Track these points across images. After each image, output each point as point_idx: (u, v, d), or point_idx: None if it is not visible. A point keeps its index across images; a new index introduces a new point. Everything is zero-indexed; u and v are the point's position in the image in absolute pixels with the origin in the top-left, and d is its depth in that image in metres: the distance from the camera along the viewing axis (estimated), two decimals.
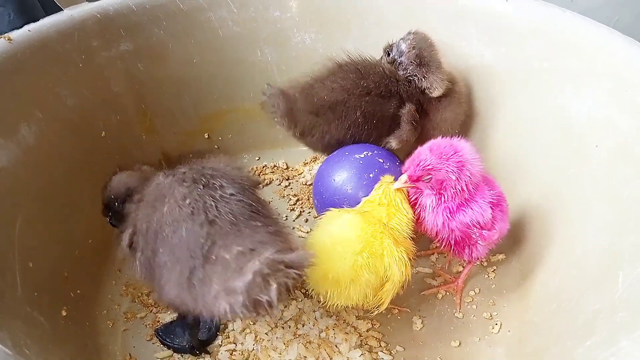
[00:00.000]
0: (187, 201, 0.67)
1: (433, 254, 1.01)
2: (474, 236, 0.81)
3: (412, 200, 0.82)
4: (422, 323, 0.90)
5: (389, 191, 0.81)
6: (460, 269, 0.98)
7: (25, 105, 0.87)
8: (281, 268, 0.59)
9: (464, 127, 1.09)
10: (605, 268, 0.72)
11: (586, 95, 0.87)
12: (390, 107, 0.97)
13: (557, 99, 0.91)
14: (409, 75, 0.97)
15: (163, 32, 1.07)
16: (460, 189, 0.78)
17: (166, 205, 0.68)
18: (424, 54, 0.96)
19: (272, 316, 0.88)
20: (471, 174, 0.78)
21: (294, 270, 0.60)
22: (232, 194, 0.69)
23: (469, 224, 0.80)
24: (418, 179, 0.79)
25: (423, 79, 0.96)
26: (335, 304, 0.78)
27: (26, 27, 0.89)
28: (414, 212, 0.82)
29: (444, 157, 0.78)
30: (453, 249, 0.85)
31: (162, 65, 1.09)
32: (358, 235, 0.76)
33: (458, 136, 0.83)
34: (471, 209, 0.80)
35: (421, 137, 1.00)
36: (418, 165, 0.78)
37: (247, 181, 0.74)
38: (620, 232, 0.74)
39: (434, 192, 0.80)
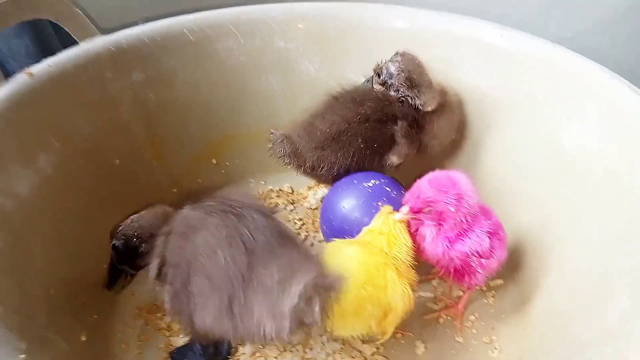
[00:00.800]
0: (222, 231, 0.70)
1: (434, 278, 1.05)
2: (473, 265, 0.85)
3: (412, 230, 0.86)
4: (424, 347, 0.93)
5: (388, 220, 0.84)
6: (461, 293, 1.02)
7: (43, 136, 0.90)
8: (322, 291, 0.63)
9: (458, 153, 1.14)
10: (593, 295, 0.76)
11: (576, 123, 0.92)
12: (388, 129, 1.01)
13: (549, 127, 0.97)
14: (400, 97, 1.02)
15: (173, 62, 1.11)
16: (459, 219, 0.82)
17: (199, 235, 0.71)
18: (413, 77, 1.00)
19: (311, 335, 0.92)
20: (469, 206, 0.82)
21: (332, 292, 0.64)
22: (262, 222, 0.73)
23: (468, 253, 0.84)
24: (419, 211, 0.84)
25: (415, 98, 1.01)
26: (339, 335, 0.81)
27: (46, 62, 0.93)
28: (415, 241, 0.86)
29: (443, 189, 0.82)
30: (453, 277, 0.89)
31: (171, 94, 1.13)
32: (360, 268, 0.79)
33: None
34: (469, 238, 0.84)
35: (421, 150, 1.06)
36: (418, 197, 0.83)
37: (267, 210, 0.78)
38: (609, 257, 0.79)
39: (434, 223, 0.84)
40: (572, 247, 0.86)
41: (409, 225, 0.87)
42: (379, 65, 1.05)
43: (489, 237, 0.85)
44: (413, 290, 0.81)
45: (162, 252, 0.75)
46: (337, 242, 0.86)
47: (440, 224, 0.84)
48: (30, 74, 0.89)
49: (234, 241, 0.70)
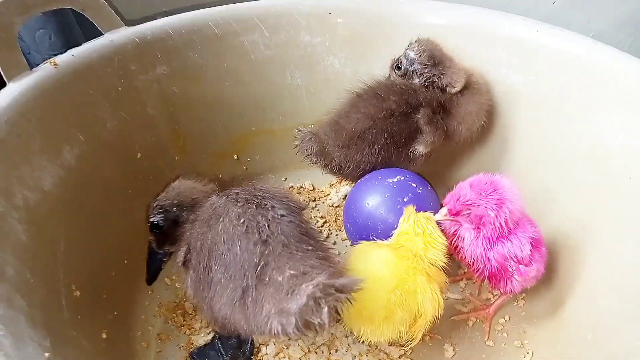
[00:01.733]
0: (242, 220, 0.69)
1: (462, 279, 1.02)
2: (510, 269, 0.82)
3: (451, 232, 0.84)
4: (453, 350, 0.90)
5: (420, 221, 0.82)
6: (490, 296, 0.99)
7: (67, 128, 0.89)
8: (332, 292, 0.60)
9: (489, 153, 1.10)
10: (630, 295, 0.73)
11: (619, 125, 0.88)
12: (413, 121, 0.99)
13: (588, 128, 0.93)
14: (426, 79, 0.99)
15: (198, 55, 1.09)
16: (498, 225, 0.80)
17: (221, 223, 0.71)
18: (435, 54, 0.98)
19: (321, 335, 0.90)
20: (510, 212, 0.79)
21: (344, 295, 0.61)
22: (282, 215, 0.71)
23: (507, 256, 0.81)
24: (458, 213, 0.81)
25: (442, 77, 0.98)
26: (369, 340, 0.79)
27: (70, 52, 0.91)
28: (451, 242, 0.83)
29: (484, 193, 0.80)
30: (488, 280, 0.86)
31: (195, 88, 1.11)
32: (391, 272, 0.77)
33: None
34: (510, 241, 0.81)
35: (449, 135, 1.02)
36: (458, 200, 0.81)
37: (295, 204, 0.76)
38: None
39: (473, 227, 0.82)
40: (615, 253, 0.83)
41: (444, 227, 0.84)
42: (395, 58, 1.03)
43: (532, 245, 0.83)
44: (443, 294, 0.79)
45: (188, 238, 0.74)
46: (365, 245, 0.84)
47: (479, 228, 0.82)
48: (55, 64, 0.87)
49: (250, 230, 0.68)
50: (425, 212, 0.84)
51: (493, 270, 0.83)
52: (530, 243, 0.82)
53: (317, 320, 0.61)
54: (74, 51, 0.92)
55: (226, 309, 0.70)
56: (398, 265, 0.77)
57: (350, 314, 0.76)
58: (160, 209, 0.81)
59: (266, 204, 0.73)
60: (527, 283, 0.86)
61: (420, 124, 0.98)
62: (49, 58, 0.89)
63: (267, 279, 0.66)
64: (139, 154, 1.03)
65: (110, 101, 0.96)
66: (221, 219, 0.72)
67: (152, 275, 0.88)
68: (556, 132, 0.98)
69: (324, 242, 0.75)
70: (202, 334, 0.93)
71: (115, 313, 0.89)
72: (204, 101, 1.13)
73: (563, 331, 0.88)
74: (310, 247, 0.70)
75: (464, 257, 0.84)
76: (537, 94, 1.00)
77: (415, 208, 0.85)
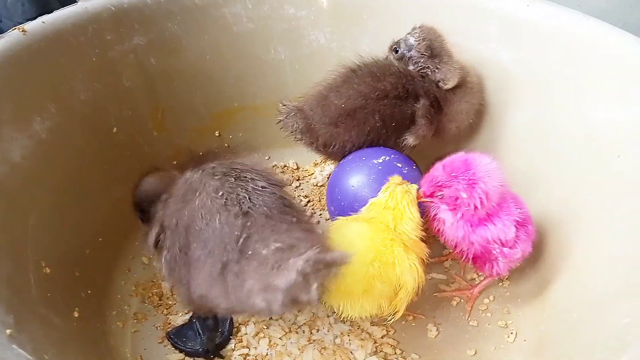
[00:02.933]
0: (220, 193, 0.66)
1: (447, 259, 1.00)
2: (494, 252, 0.81)
3: (431, 215, 0.82)
4: (437, 330, 0.89)
5: (395, 194, 0.79)
6: (474, 276, 0.97)
7: (39, 99, 0.85)
8: (321, 267, 0.58)
9: (477, 132, 1.08)
10: (631, 279, 0.72)
11: (611, 103, 0.86)
12: (408, 107, 0.95)
13: (579, 106, 0.90)
14: (420, 69, 0.96)
15: (177, 27, 1.05)
16: (473, 206, 0.77)
17: (197, 198, 0.67)
18: (434, 45, 0.95)
19: (303, 313, 0.88)
20: (484, 192, 0.77)
21: (333, 269, 0.59)
22: (263, 187, 0.68)
23: (490, 239, 0.79)
24: (431, 195, 0.80)
25: (436, 71, 0.95)
26: (350, 316, 0.77)
27: (40, 19, 0.87)
28: (433, 226, 0.81)
29: (454, 174, 0.78)
30: (472, 263, 0.85)
31: (175, 61, 1.07)
32: (368, 245, 0.75)
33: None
34: (494, 224, 0.79)
35: (438, 132, 1.00)
36: (431, 181, 0.79)
37: (275, 178, 0.73)
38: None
39: (450, 208, 0.80)
40: (604, 232, 0.81)
41: (425, 208, 0.83)
42: (395, 40, 0.99)
43: (516, 227, 0.81)
44: (424, 266, 0.77)
45: (160, 219, 0.71)
46: (342, 220, 0.82)
47: (454, 209, 0.79)
48: (24, 31, 0.83)
49: (230, 202, 0.65)
50: (408, 185, 0.81)
51: (477, 253, 0.81)
52: (516, 224, 0.80)
53: (306, 297, 0.58)
54: (45, 18, 0.88)
55: (204, 286, 0.67)
56: (374, 237, 0.76)
57: (329, 290, 0.73)
58: (136, 206, 0.79)
59: (245, 176, 0.70)
60: (512, 264, 0.84)
61: (417, 115, 0.95)
62: None
63: (249, 252, 0.63)
64: (115, 127, 0.99)
65: (83, 72, 0.92)
66: (198, 194, 0.68)
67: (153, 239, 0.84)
68: (545, 109, 0.96)
69: (307, 215, 0.73)
70: (180, 314, 0.91)
71: (89, 291, 0.86)
72: (184, 75, 1.09)
73: (547, 311, 0.87)
74: (294, 219, 0.68)
75: (447, 241, 0.82)
76: (527, 71, 0.97)
77: (401, 178, 0.82)
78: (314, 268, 0.58)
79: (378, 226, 0.77)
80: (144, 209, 0.78)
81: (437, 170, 0.80)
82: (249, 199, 0.66)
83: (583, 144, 0.89)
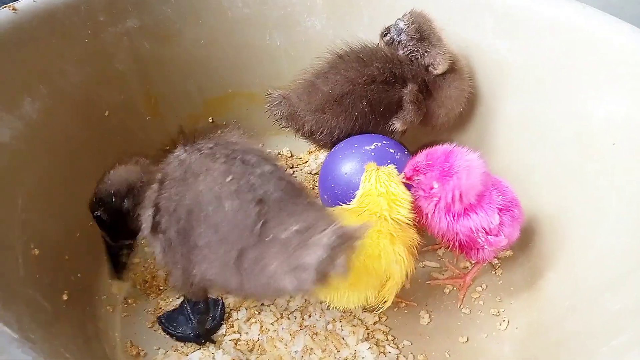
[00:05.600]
0: (228, 178, 0.65)
1: (440, 248, 1.00)
2: (479, 241, 0.80)
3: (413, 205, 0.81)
4: (429, 317, 0.89)
5: (381, 178, 0.79)
6: (468, 264, 0.97)
7: (29, 79, 0.84)
8: (344, 241, 0.58)
9: (469, 123, 1.07)
10: (624, 267, 0.71)
11: (606, 94, 0.85)
12: (396, 92, 0.95)
13: (574, 97, 0.90)
14: (410, 53, 0.95)
15: (171, 10, 1.04)
16: (445, 197, 0.77)
17: (202, 182, 0.66)
18: (423, 28, 0.94)
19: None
20: (457, 187, 0.76)
21: (354, 242, 0.59)
22: (270, 172, 0.67)
23: (473, 229, 0.79)
24: (410, 178, 0.80)
25: (425, 54, 0.94)
26: (338, 307, 0.77)
27: None
28: (416, 218, 0.80)
29: (431, 162, 0.78)
30: (459, 251, 0.84)
31: (168, 45, 1.06)
32: None
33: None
34: (476, 214, 0.79)
35: (427, 118, 0.99)
36: (411, 164, 0.80)
37: (270, 157, 0.72)
38: (635, 233, 0.74)
39: (425, 196, 0.79)
40: (597, 222, 0.81)
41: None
42: (386, 26, 0.98)
43: (499, 214, 0.80)
44: (414, 255, 0.76)
45: (156, 200, 0.69)
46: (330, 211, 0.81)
47: (428, 198, 0.79)
48: (14, 9, 0.81)
49: (242, 189, 0.64)
50: (386, 167, 0.81)
51: (462, 242, 0.81)
52: (498, 212, 0.79)
53: (334, 271, 0.58)
54: None
55: (214, 271, 0.66)
56: None
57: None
58: (100, 203, 0.75)
59: (250, 160, 0.68)
60: (499, 251, 0.84)
61: (404, 100, 0.95)
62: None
63: (268, 238, 0.62)
64: (107, 111, 0.98)
65: (75, 53, 0.91)
66: (201, 177, 0.67)
67: (116, 268, 0.82)
68: (541, 100, 0.95)
69: (312, 196, 0.72)
70: (171, 299, 0.90)
71: (79, 275, 0.85)
72: (178, 60, 1.08)
73: (540, 299, 0.87)
74: (304, 200, 0.67)
75: (432, 232, 0.82)
76: (523, 62, 0.96)
77: (375, 164, 0.82)
78: (338, 242, 0.57)
79: (362, 218, 0.76)
80: (110, 206, 0.74)
81: (420, 156, 0.80)
82: (261, 185, 0.65)
83: (575, 136, 0.88)
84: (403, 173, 0.81)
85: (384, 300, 0.77)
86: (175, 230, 0.67)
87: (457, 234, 0.80)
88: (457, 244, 0.83)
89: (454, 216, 0.79)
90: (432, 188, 0.78)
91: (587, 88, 0.88)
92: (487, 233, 0.80)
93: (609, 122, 0.84)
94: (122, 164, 0.78)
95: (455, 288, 0.93)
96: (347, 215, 0.78)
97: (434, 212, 0.80)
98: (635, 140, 0.79)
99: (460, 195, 0.77)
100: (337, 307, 0.79)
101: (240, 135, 0.75)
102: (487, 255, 0.84)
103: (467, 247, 0.83)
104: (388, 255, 0.74)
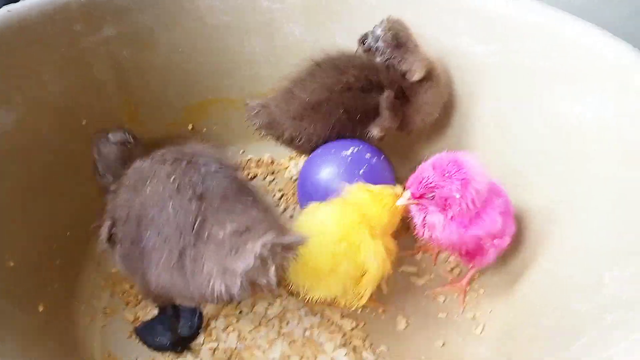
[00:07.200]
0: (172, 178, 0.65)
1: (418, 252, 1.01)
2: (486, 246, 0.82)
3: (419, 221, 0.82)
4: (406, 322, 0.90)
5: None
6: (448, 267, 0.99)
7: (4, 90, 0.83)
8: (279, 251, 0.58)
9: (448, 127, 1.08)
10: (590, 268, 0.73)
11: (586, 98, 0.86)
12: (372, 98, 0.95)
13: (554, 101, 0.90)
14: (387, 59, 0.96)
15: (149, 18, 1.03)
16: (465, 206, 0.77)
17: (149, 186, 0.66)
18: (400, 35, 0.95)
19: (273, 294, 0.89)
20: (476, 191, 0.77)
21: (291, 252, 0.59)
22: (216, 170, 0.67)
23: (482, 235, 0.80)
24: (421, 196, 0.78)
25: (402, 61, 0.95)
26: (317, 299, 0.78)
27: (5, 8, 0.85)
28: (423, 233, 0.82)
29: (447, 174, 0.76)
30: (463, 258, 0.86)
31: (147, 53, 1.06)
32: (336, 225, 0.77)
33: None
34: (483, 220, 0.79)
35: (404, 123, 1.00)
36: (421, 182, 0.77)
37: (227, 161, 0.72)
38: (608, 233, 0.75)
39: (439, 209, 0.79)
40: (572, 224, 0.82)
41: (410, 211, 0.83)
42: (364, 33, 0.99)
43: (501, 217, 0.81)
44: (392, 257, 0.78)
45: (111, 211, 0.69)
46: (315, 204, 0.83)
47: (445, 210, 0.79)
48: None
49: (182, 187, 0.64)
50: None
51: (469, 250, 0.82)
52: (501, 215, 0.80)
53: (265, 281, 0.58)
54: (11, 7, 0.86)
55: (163, 275, 0.66)
56: (343, 219, 0.77)
57: (296, 267, 0.73)
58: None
59: (197, 160, 0.68)
60: (501, 252, 0.86)
61: (380, 107, 0.95)
62: None
63: (206, 236, 0.62)
64: (85, 120, 0.98)
65: (52, 62, 0.91)
66: (149, 182, 0.67)
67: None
68: (520, 104, 0.96)
69: (263, 196, 0.72)
70: (150, 308, 0.90)
71: (56, 286, 0.85)
72: (157, 67, 1.08)
73: (517, 304, 0.87)
74: (250, 198, 0.67)
75: (440, 245, 0.83)
76: (501, 65, 0.97)
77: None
78: (271, 251, 0.57)
79: (348, 209, 0.79)
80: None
81: (427, 171, 0.78)
82: (202, 181, 0.65)
83: (554, 140, 0.89)
84: (409, 193, 0.79)
85: (360, 296, 0.78)
86: (129, 240, 0.67)
87: (465, 242, 0.81)
88: (463, 251, 0.84)
89: (463, 226, 0.80)
90: (447, 199, 0.77)
91: (567, 92, 0.88)
92: (493, 237, 0.82)
93: (583, 126, 0.85)
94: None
95: (431, 294, 0.94)
96: (330, 205, 0.80)
97: (445, 224, 0.80)
98: (615, 143, 0.80)
99: (474, 201, 0.77)
100: (315, 302, 0.79)
101: (200, 143, 0.75)
102: (489, 259, 0.85)
103: (472, 253, 0.84)
104: (367, 247, 0.76)
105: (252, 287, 0.59)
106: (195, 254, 0.62)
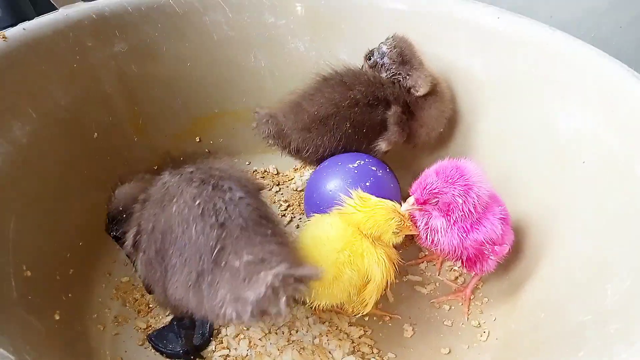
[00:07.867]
0: (197, 202, 0.67)
1: (423, 262, 1.03)
2: (486, 252, 0.84)
3: (422, 224, 0.84)
4: (412, 330, 0.91)
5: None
6: (452, 276, 1.01)
7: (18, 104, 0.86)
8: (291, 282, 0.60)
9: (450, 138, 1.11)
10: (591, 278, 0.75)
11: (574, 110, 0.89)
12: (378, 113, 0.98)
13: (546, 112, 0.94)
14: (392, 76, 0.99)
15: (157, 33, 1.07)
16: (467, 211, 0.80)
17: (174, 205, 0.68)
18: (405, 52, 0.99)
19: (282, 320, 0.90)
20: (478, 197, 0.80)
21: (303, 284, 0.61)
22: (240, 197, 0.69)
23: (483, 241, 0.82)
24: (425, 202, 0.81)
25: (407, 77, 0.98)
26: (324, 306, 0.81)
27: (21, 26, 0.88)
28: (426, 237, 0.84)
29: (450, 180, 0.79)
30: (464, 265, 0.88)
31: (155, 67, 1.09)
32: (340, 234, 0.80)
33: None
34: (484, 226, 0.82)
35: (409, 137, 1.03)
36: (425, 188, 0.80)
37: (253, 185, 0.75)
38: (606, 243, 0.77)
39: (442, 214, 0.82)
40: (568, 234, 0.85)
41: (414, 217, 0.85)
42: (370, 49, 1.02)
43: (501, 224, 0.84)
44: (394, 265, 0.81)
45: (138, 219, 0.72)
46: (318, 215, 0.86)
47: (448, 215, 0.82)
48: (4, 37, 0.84)
49: (206, 213, 0.66)
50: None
51: (470, 255, 0.84)
52: (500, 222, 0.83)
53: (275, 310, 0.60)
54: (26, 25, 0.89)
55: (180, 292, 0.68)
56: (346, 228, 0.80)
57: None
58: (112, 222, 0.80)
59: (223, 185, 0.70)
60: (501, 260, 0.88)
61: (388, 122, 0.98)
62: None
63: (223, 264, 0.64)
64: (96, 133, 1.00)
65: (64, 78, 0.93)
66: (175, 200, 0.69)
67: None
68: (515, 118, 0.99)
69: (282, 226, 0.74)
70: (161, 317, 0.92)
71: (70, 295, 0.87)
72: (164, 81, 1.10)
73: (517, 311, 0.90)
74: (269, 231, 0.69)
75: (441, 249, 0.85)
76: (496, 78, 1.01)
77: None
78: (283, 282, 0.59)
79: (350, 220, 0.81)
80: (122, 222, 0.78)
81: (431, 177, 0.81)
82: (226, 209, 0.67)
83: (549, 149, 0.92)
84: (413, 199, 0.82)
85: (364, 304, 0.81)
86: (154, 250, 0.69)
87: (466, 248, 0.84)
88: (464, 258, 0.86)
89: (465, 231, 0.82)
90: (450, 205, 0.80)
91: (557, 104, 0.92)
92: (493, 244, 0.84)
93: (577, 138, 0.88)
94: (124, 183, 0.83)
95: (437, 302, 0.96)
96: (333, 216, 0.83)
97: (447, 230, 0.83)
98: (601, 155, 0.83)
99: (476, 206, 0.80)
100: (321, 310, 0.82)
101: (227, 162, 0.77)
102: (490, 267, 0.88)
103: (473, 259, 0.86)
104: (370, 256, 0.78)
105: (262, 315, 0.61)
106: (212, 279, 0.64)
